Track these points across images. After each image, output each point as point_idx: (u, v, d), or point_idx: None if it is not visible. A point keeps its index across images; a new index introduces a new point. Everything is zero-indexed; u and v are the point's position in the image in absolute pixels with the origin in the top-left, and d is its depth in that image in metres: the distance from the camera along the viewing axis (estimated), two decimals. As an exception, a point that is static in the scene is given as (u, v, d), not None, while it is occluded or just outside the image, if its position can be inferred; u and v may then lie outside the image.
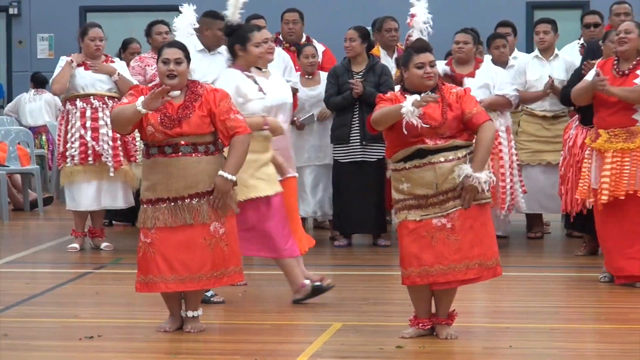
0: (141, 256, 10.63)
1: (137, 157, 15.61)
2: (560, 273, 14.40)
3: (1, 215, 17.88)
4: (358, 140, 15.72)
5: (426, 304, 10.54)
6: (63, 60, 15.57)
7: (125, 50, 17.18)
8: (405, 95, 10.21)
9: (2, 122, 19.90)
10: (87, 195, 15.38)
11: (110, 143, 15.36)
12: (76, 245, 15.50)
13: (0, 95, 22.59)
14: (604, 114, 13.20)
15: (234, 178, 10.40)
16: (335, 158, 15.89)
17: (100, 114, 15.44)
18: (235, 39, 12.31)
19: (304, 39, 17.07)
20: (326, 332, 10.85)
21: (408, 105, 9.83)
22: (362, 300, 12.70)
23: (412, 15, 11.45)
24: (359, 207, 15.71)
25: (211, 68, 14.49)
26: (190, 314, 10.79)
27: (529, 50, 17.97)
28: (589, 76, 13.14)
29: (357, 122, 15.59)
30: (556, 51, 16.29)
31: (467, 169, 10.07)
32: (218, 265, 10.70)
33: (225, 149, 10.72)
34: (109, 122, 15.10)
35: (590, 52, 14.58)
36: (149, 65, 15.53)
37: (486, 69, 15.21)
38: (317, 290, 11.98)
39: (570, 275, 14.06)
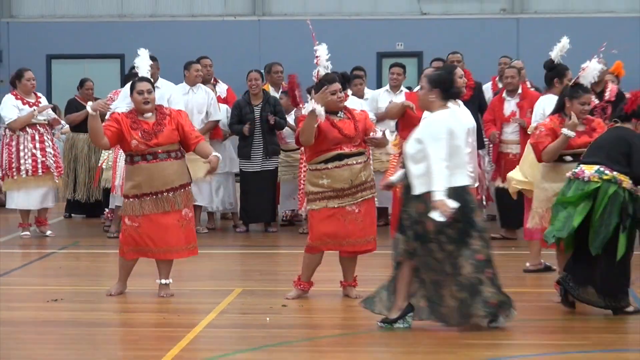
0: (128, 235, 10.84)
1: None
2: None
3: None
4: (260, 156, 15.68)
5: (311, 272, 10.90)
6: (11, 99, 15.35)
7: (82, 86, 17.04)
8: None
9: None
10: (34, 197, 15.24)
11: (53, 159, 15.29)
12: (28, 233, 15.41)
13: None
14: None
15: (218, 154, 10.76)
16: (241, 168, 15.97)
17: (46, 137, 15.35)
18: (555, 74, 12.66)
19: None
20: (230, 294, 11.16)
21: (311, 106, 10.27)
22: (257, 272, 12.94)
23: (317, 57, 11.61)
24: (257, 204, 15.76)
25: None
26: (164, 281, 11.04)
27: (379, 87, 18.17)
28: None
29: (259, 143, 15.63)
30: (402, 88, 16.21)
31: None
32: (189, 240, 11.03)
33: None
34: (50, 143, 15.40)
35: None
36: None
37: (352, 102, 14.93)
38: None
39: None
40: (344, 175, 10.66)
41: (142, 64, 11.67)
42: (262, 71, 16.51)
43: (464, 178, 9.44)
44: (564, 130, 10.87)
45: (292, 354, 8.92)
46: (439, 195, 9.08)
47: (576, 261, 10.20)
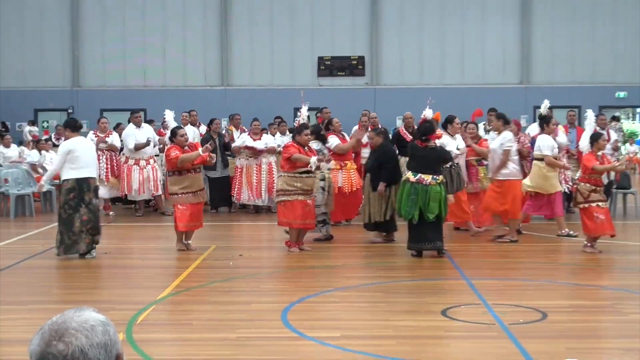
0: (182, 215, 10.72)
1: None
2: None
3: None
4: (218, 167, 15.23)
5: (295, 238, 10.85)
6: (90, 135, 14.87)
7: (116, 128, 16.43)
8: (298, 146, 10.70)
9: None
10: (105, 192, 14.83)
11: (116, 170, 15.08)
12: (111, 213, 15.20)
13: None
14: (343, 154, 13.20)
15: None
16: (207, 174, 15.24)
17: (113, 157, 15.10)
18: (544, 121, 12.21)
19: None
20: (209, 249, 11.05)
21: (313, 161, 10.51)
22: (224, 235, 12.80)
23: (300, 113, 11.68)
24: (221, 196, 15.47)
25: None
26: (190, 242, 11.01)
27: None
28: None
29: (219, 160, 15.04)
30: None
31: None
32: (201, 219, 11.14)
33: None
34: (115, 160, 15.16)
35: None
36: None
37: (280, 137, 14.89)
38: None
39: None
40: (309, 182, 10.79)
41: (170, 118, 11.89)
42: (227, 119, 16.47)
43: (84, 173, 10.24)
44: None
45: (245, 282, 8.93)
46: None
47: (415, 229, 10.34)
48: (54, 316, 2.09)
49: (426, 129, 10.58)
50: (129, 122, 15.65)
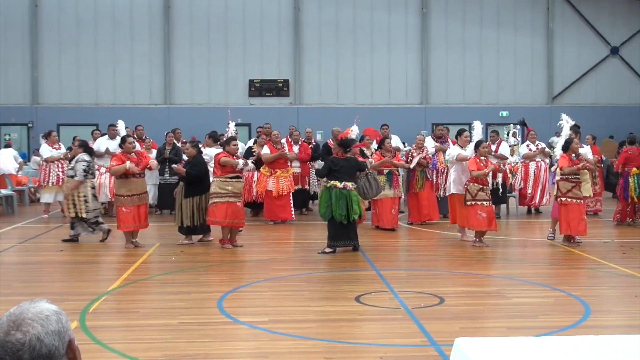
0: (125, 217, 10.59)
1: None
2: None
3: (25, 203, 17.11)
4: (167, 175, 15.11)
5: (227, 236, 10.74)
6: (45, 145, 14.88)
7: (74, 141, 16.51)
8: (227, 155, 10.63)
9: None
10: (55, 196, 14.65)
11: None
12: (46, 216, 14.72)
13: (23, 158, 21.15)
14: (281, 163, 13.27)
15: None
16: (160, 181, 15.33)
17: (65, 165, 14.51)
18: (574, 131, 11.65)
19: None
20: (154, 246, 10.89)
21: (248, 165, 10.66)
22: (167, 234, 12.34)
23: (229, 128, 11.56)
24: (168, 199, 14.84)
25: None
26: (137, 239, 10.87)
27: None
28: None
29: (167, 168, 14.99)
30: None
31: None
32: (147, 219, 10.94)
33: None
34: (65, 169, 14.87)
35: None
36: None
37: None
38: None
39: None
40: (239, 186, 10.71)
41: (121, 127, 11.68)
42: (171, 132, 16.28)
43: None
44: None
45: (185, 275, 8.80)
46: None
47: (340, 229, 10.28)
48: (11, 308, 2.02)
49: (348, 143, 10.62)
50: (98, 135, 15.67)
